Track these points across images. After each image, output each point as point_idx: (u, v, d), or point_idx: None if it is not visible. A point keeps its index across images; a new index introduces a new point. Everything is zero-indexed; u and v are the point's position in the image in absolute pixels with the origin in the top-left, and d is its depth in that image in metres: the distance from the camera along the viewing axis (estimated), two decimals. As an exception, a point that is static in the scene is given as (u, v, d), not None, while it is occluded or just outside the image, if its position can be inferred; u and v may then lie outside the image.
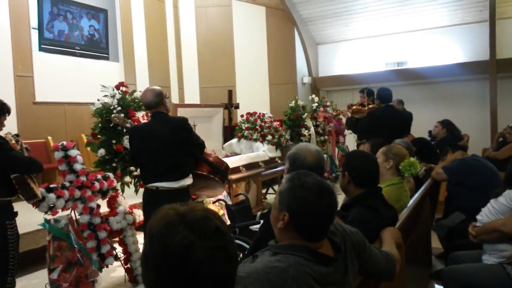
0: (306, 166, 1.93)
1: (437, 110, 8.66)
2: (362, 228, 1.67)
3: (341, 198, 2.17)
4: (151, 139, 3.06)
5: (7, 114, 3.06)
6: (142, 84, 8.32)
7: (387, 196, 2.34)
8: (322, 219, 1.36)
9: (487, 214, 2.58)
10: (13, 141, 3.05)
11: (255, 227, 3.24)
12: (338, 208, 2.06)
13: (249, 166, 5.81)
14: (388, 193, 2.52)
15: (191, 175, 3.21)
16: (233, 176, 5.18)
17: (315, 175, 1.43)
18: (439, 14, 8.98)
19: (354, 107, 5.63)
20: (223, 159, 3.88)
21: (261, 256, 1.37)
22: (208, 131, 6.78)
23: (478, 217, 2.64)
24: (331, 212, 1.37)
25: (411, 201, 2.85)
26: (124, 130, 4.05)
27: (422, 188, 3.48)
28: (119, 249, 3.74)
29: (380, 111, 4.80)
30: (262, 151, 6.51)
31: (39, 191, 3.06)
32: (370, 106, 5.33)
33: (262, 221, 2.59)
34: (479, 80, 8.95)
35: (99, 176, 3.54)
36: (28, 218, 3.42)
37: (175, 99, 9.81)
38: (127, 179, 4.26)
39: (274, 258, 1.32)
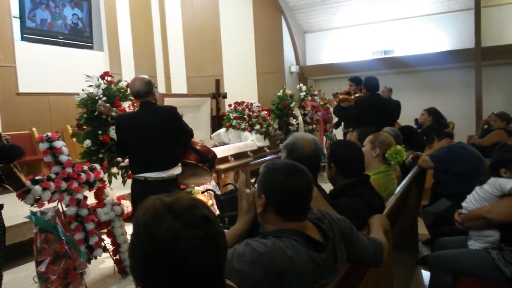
0: (304, 155, 1.93)
1: (423, 98, 8.72)
2: (352, 216, 1.68)
3: (326, 187, 2.18)
4: (139, 129, 3.02)
5: None
6: (127, 73, 8.23)
7: (374, 184, 2.36)
8: (294, 196, 1.39)
9: (472, 201, 2.62)
10: None
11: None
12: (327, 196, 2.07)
13: (237, 156, 5.81)
14: (375, 180, 2.54)
15: (179, 165, 3.19)
16: (222, 166, 5.17)
17: (287, 159, 1.52)
18: (425, 2, 9.00)
19: (341, 96, 5.64)
20: (211, 148, 3.86)
21: (253, 241, 1.37)
22: (196, 121, 6.73)
23: (463, 204, 2.68)
24: (304, 190, 1.41)
25: (398, 188, 2.88)
26: (109, 119, 3.99)
27: (409, 175, 3.52)
28: (107, 241, 3.72)
29: (367, 100, 4.81)
30: (251, 140, 6.51)
31: (26, 181, 3.02)
32: (357, 95, 5.33)
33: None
34: (464, 68, 9.03)
35: (85, 168, 3.50)
36: (14, 210, 3.37)
37: (161, 89, 9.71)
38: (114, 170, 4.21)
39: (273, 239, 1.34)
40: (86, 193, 3.52)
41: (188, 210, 0.87)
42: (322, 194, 1.99)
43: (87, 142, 4.06)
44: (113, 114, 3.56)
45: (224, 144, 6.50)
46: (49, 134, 3.30)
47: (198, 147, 3.37)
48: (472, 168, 3.58)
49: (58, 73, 7.26)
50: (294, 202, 1.40)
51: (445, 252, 2.72)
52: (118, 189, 4.20)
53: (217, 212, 3.73)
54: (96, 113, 4.01)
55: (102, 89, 4.13)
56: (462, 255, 2.60)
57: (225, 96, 8.02)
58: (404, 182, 3.19)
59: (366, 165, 2.42)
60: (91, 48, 8.26)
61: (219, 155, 3.92)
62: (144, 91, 3.07)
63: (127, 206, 3.78)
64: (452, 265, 2.59)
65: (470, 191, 2.69)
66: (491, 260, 2.47)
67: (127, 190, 3.66)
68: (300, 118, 7.48)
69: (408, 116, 6.21)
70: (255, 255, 1.24)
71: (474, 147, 4.39)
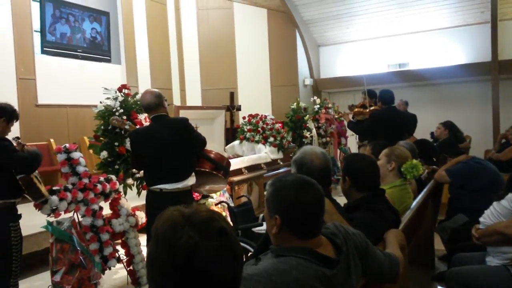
0: (314, 170, 1.93)
1: (439, 112, 8.64)
2: (368, 232, 1.66)
3: (340, 200, 2.17)
4: (154, 142, 3.06)
5: (15, 120, 3.09)
6: (144, 86, 8.36)
7: (390, 198, 2.34)
8: (310, 212, 1.37)
9: (489, 217, 2.57)
10: (15, 144, 3.06)
11: (258, 229, 3.23)
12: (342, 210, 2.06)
13: (251, 168, 5.81)
14: (391, 194, 2.52)
15: (194, 175, 3.22)
16: (235, 178, 5.18)
17: (294, 174, 1.45)
18: (440, 16, 8.97)
19: (356, 109, 5.63)
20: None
21: (264, 259, 1.37)
22: (210, 133, 6.78)
23: (481, 219, 2.63)
24: (318, 204, 1.39)
25: (414, 203, 2.84)
26: (123, 132, 4.04)
27: (425, 190, 3.47)
28: (121, 251, 3.74)
29: (382, 113, 4.79)
30: (264, 153, 6.51)
31: (45, 191, 3.07)
32: (372, 108, 5.32)
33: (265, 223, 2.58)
34: (481, 81, 8.94)
35: (101, 178, 3.54)
36: (31, 220, 3.42)
37: (176, 101, 9.82)
38: (130, 181, 4.25)
39: (276, 260, 1.33)
40: (102, 203, 3.56)
41: (206, 222, 0.89)
42: (336, 208, 1.97)
43: (104, 154, 4.11)
44: (127, 127, 3.60)
45: (238, 156, 6.52)
46: (67, 145, 3.37)
47: (212, 155, 3.39)
48: (488, 184, 3.53)
49: (77, 85, 7.41)
50: (310, 218, 1.37)
51: (462, 268, 2.67)
52: (133, 200, 4.24)
53: (231, 225, 3.72)
54: (109, 127, 4.07)
55: (119, 102, 4.18)
56: (479, 272, 2.54)
57: (239, 109, 8.06)
58: (420, 196, 3.15)
59: (381, 179, 2.40)
60: (109, 61, 8.43)
61: (232, 168, 3.93)
62: (155, 104, 3.12)
63: (142, 217, 3.80)
64: (469, 282, 2.54)
65: (487, 206, 2.64)
66: (510, 277, 2.41)
67: (142, 201, 3.69)
68: (314, 131, 7.46)
69: (424, 129, 6.16)
70: (261, 286, 1.22)
71: (492, 161, 4.33)
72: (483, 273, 2.52)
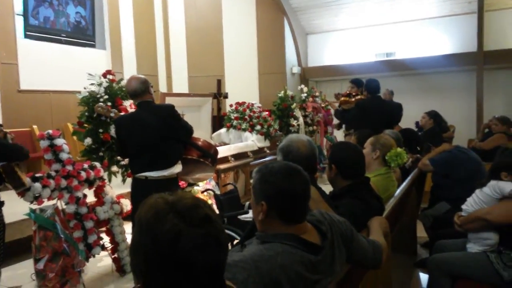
0: (300, 157, 1.93)
1: (424, 101, 8.71)
2: (353, 219, 1.68)
3: (326, 188, 2.18)
4: (139, 129, 3.02)
5: None
6: (129, 72, 8.23)
7: (374, 186, 2.36)
8: (297, 198, 1.38)
9: (472, 204, 2.62)
10: None
11: (244, 217, 3.24)
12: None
13: (237, 156, 5.81)
14: (375, 182, 2.54)
15: (180, 163, 3.20)
16: (222, 166, 5.17)
17: (281, 161, 1.46)
18: (428, 5, 9.00)
19: (342, 98, 5.63)
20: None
21: (249, 245, 1.37)
22: (197, 120, 6.74)
23: (463, 206, 2.69)
24: (304, 190, 1.40)
25: (398, 191, 2.88)
26: (108, 120, 3.99)
27: (409, 178, 3.52)
28: (106, 239, 3.72)
29: (367, 102, 4.81)
30: (251, 141, 6.52)
31: (26, 179, 3.02)
32: (358, 97, 5.33)
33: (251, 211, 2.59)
34: (466, 71, 9.03)
35: (85, 166, 3.50)
36: (13, 207, 3.37)
37: (163, 88, 9.72)
38: (114, 168, 4.22)
39: (262, 246, 1.33)
40: (86, 191, 3.52)
41: (191, 209, 0.88)
42: (322, 195, 1.98)
43: (88, 140, 4.07)
44: (112, 115, 3.55)
45: (225, 144, 6.50)
46: (50, 131, 3.30)
47: (199, 143, 3.38)
48: (472, 173, 3.58)
49: (60, 71, 7.27)
50: (296, 204, 1.38)
51: (443, 254, 2.72)
52: (118, 187, 4.21)
53: (217, 212, 3.72)
54: (95, 115, 4.01)
55: (104, 88, 4.13)
56: (460, 258, 2.60)
57: (226, 96, 8.03)
58: (404, 184, 3.19)
59: (366, 167, 2.42)
60: (93, 46, 8.28)
61: (219, 155, 3.92)
62: (141, 90, 3.07)
63: (126, 204, 3.78)
64: (450, 268, 2.59)
65: (469, 195, 2.69)
66: (489, 263, 2.47)
67: (126, 188, 3.66)
68: (301, 119, 7.48)
69: (409, 119, 6.21)
70: (245, 274, 1.22)
71: (475, 150, 4.39)
72: (464, 259, 2.58)
